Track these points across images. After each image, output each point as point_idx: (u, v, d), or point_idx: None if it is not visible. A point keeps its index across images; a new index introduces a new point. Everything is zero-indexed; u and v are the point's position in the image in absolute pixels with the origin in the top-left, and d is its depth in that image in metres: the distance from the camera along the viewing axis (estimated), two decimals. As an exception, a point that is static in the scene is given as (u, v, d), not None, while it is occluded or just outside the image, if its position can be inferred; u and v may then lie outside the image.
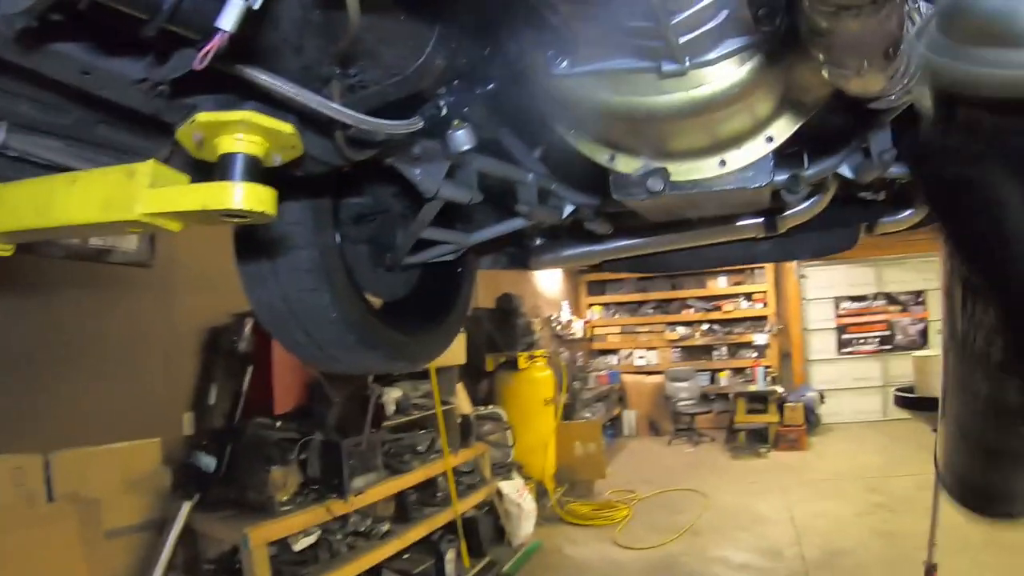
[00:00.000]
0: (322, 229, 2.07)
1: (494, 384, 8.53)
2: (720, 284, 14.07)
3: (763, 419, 11.72)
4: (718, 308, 14.10)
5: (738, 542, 7.09)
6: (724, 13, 1.31)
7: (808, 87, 1.63)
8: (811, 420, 12.03)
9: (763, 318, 13.81)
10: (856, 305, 13.99)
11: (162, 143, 1.31)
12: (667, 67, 1.41)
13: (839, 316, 14.02)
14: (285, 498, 4.36)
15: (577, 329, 12.69)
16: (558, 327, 12.07)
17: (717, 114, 1.57)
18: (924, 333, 13.84)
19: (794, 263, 13.56)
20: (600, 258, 2.90)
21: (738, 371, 13.53)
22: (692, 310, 14.13)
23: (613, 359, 14.17)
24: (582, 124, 1.80)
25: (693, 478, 9.56)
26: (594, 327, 14.16)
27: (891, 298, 13.91)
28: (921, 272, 13.59)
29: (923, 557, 5.81)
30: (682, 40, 1.33)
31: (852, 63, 1.26)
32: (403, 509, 5.57)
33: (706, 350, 13.95)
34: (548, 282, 12.16)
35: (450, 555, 5.63)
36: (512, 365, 8.46)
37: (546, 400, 8.51)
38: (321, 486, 4.63)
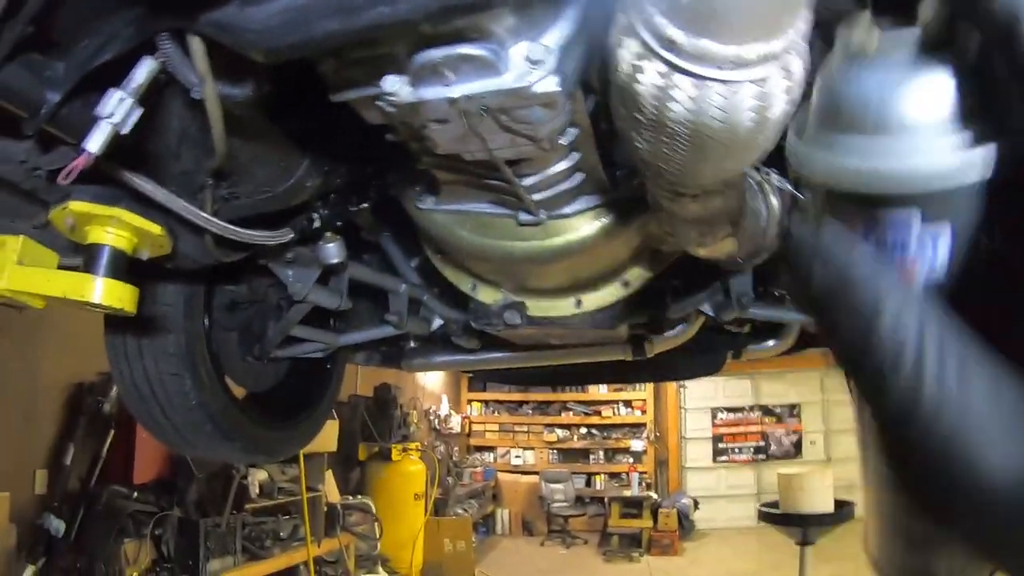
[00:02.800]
0: (192, 315, 2.09)
1: (365, 473, 8.30)
2: (601, 390, 14.23)
3: (637, 524, 11.83)
4: (597, 413, 14.26)
5: None
6: (579, 177, 1.40)
7: (663, 240, 1.72)
8: (685, 526, 12.17)
9: (641, 425, 14.03)
10: (733, 416, 14.37)
11: (44, 211, 1.34)
12: (523, 217, 1.49)
13: (715, 425, 14.33)
14: (136, 574, 4.05)
15: (455, 424, 12.55)
16: (436, 420, 11.91)
17: (572, 260, 1.63)
18: (798, 444, 14.27)
19: (671, 374, 13.90)
20: (471, 368, 3.07)
21: (614, 475, 13.65)
22: (571, 413, 14.25)
23: (489, 456, 14.04)
24: (447, 254, 1.89)
25: (566, 580, 9.43)
26: (472, 423, 14.04)
27: (767, 410, 14.36)
28: (797, 386, 14.19)
29: None
30: (536, 197, 1.40)
31: (693, 238, 1.36)
32: (262, 598, 5.25)
33: (583, 453, 14.04)
34: (430, 375, 12.03)
35: (308, 646, 5.31)
36: (385, 456, 8.31)
37: (417, 494, 8.37)
38: (175, 566, 4.35)
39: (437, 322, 2.32)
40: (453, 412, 12.69)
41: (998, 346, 0.58)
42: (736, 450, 14.23)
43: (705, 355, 3.01)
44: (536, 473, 13.46)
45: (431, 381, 12.20)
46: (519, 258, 1.59)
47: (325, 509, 6.32)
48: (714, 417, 14.37)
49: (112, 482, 4.42)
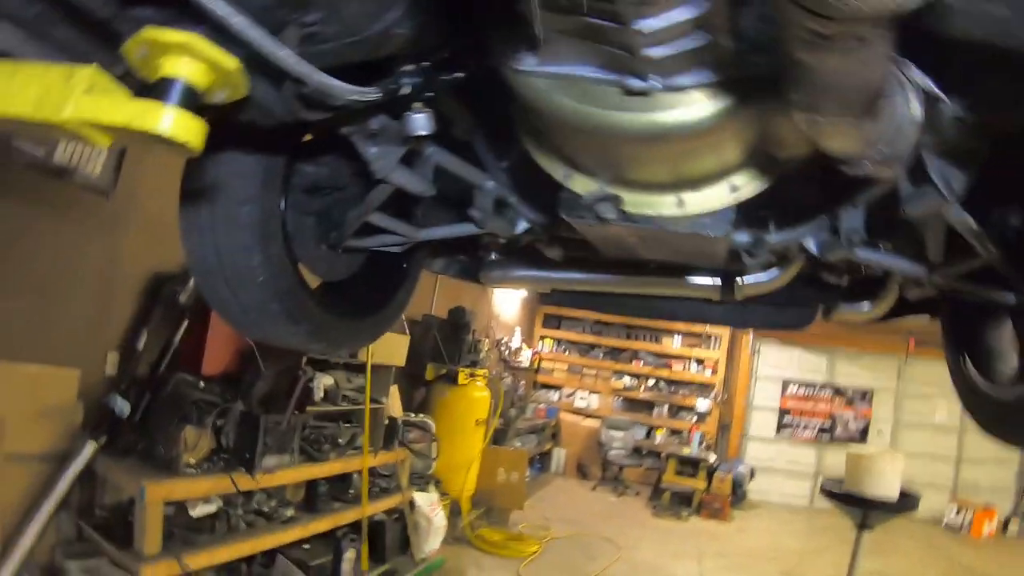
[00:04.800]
0: (269, 188, 2.01)
1: (430, 394, 8.43)
2: (674, 343, 14.14)
3: (691, 483, 11.75)
4: (668, 366, 14.14)
5: None
6: (703, 37, 1.21)
7: (782, 141, 1.57)
8: (738, 493, 12.08)
9: (710, 385, 13.89)
10: (803, 391, 14.13)
11: (120, 58, 1.23)
12: (632, 83, 1.32)
13: (784, 398, 14.13)
14: (193, 460, 4.24)
15: (525, 358, 12.63)
16: (507, 352, 12.00)
17: (680, 146, 1.49)
18: (865, 431, 14.00)
19: (750, 338, 13.68)
20: (549, 285, 2.89)
21: (675, 432, 13.58)
22: (642, 363, 14.14)
23: (554, 395, 14.11)
24: (543, 133, 1.72)
25: (611, 527, 9.50)
26: (542, 359, 14.09)
27: (839, 390, 14.07)
28: (872, 370, 13.85)
29: None
30: (651, 53, 1.22)
31: (828, 108, 1.19)
32: (312, 499, 5.46)
33: (648, 405, 13.97)
34: (506, 305, 12.11)
35: (349, 554, 5.48)
36: (451, 379, 8.38)
37: (478, 420, 8.43)
38: (232, 457, 4.49)
39: (522, 225, 2.17)
40: (524, 346, 12.76)
41: None
42: (801, 426, 14.03)
43: (794, 308, 2.90)
44: (598, 418, 13.47)
45: (507, 312, 12.27)
46: (623, 133, 1.41)
47: (386, 423, 6.42)
48: (784, 389, 14.15)
49: (181, 371, 4.52)
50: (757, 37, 1.22)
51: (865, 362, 13.86)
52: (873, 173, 1.47)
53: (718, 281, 2.48)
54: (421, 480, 7.03)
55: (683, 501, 11.50)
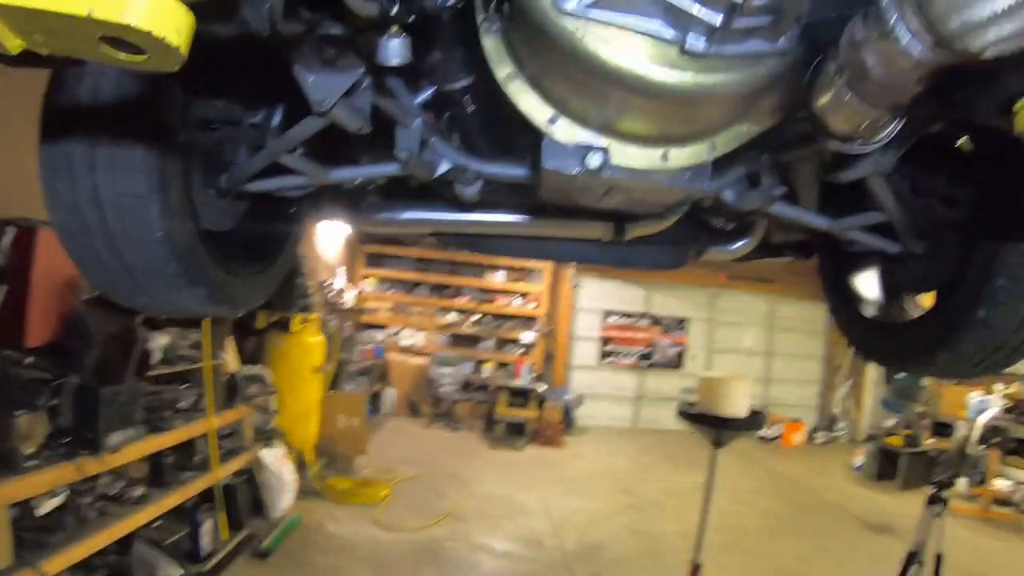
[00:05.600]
0: (168, 119, 1.69)
1: (262, 343, 7.85)
2: (498, 278, 14.15)
3: (523, 414, 11.98)
4: (492, 301, 14.15)
5: (500, 530, 7.08)
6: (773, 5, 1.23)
7: (777, 109, 1.63)
8: (568, 420, 12.45)
9: (534, 318, 14.07)
10: (623, 320, 14.69)
11: None
12: (693, 44, 1.28)
13: (605, 327, 14.65)
14: (31, 451, 3.59)
15: (349, 299, 12.13)
16: (330, 293, 11.46)
17: (698, 107, 1.50)
18: (680, 356, 14.91)
19: (571, 272, 13.98)
20: (437, 228, 2.74)
21: (503, 365, 13.67)
22: (467, 298, 14.06)
23: (379, 335, 13.74)
24: (547, 75, 1.57)
25: (453, 463, 9.50)
26: (366, 299, 13.65)
27: (656, 320, 14.80)
28: (687, 301, 14.82)
29: (674, 555, 6.19)
30: (739, 22, 1.24)
31: (878, 100, 1.31)
32: (159, 472, 4.90)
33: (474, 340, 13.96)
34: (328, 245, 11.52)
35: (207, 526, 5.01)
36: (283, 326, 7.83)
37: (315, 367, 7.98)
38: (73, 439, 3.88)
39: (444, 166, 2.02)
40: (349, 286, 12.26)
41: None
42: (622, 353, 14.66)
43: (670, 248, 2.96)
44: (426, 355, 13.31)
45: (329, 252, 11.70)
46: (656, 89, 1.35)
47: (224, 380, 5.92)
48: (604, 319, 14.67)
49: (1, 346, 3.82)
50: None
51: (680, 293, 14.68)
52: (858, 151, 1.63)
53: (611, 224, 2.54)
54: (264, 436, 6.56)
55: (517, 431, 11.69)
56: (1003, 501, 9.57)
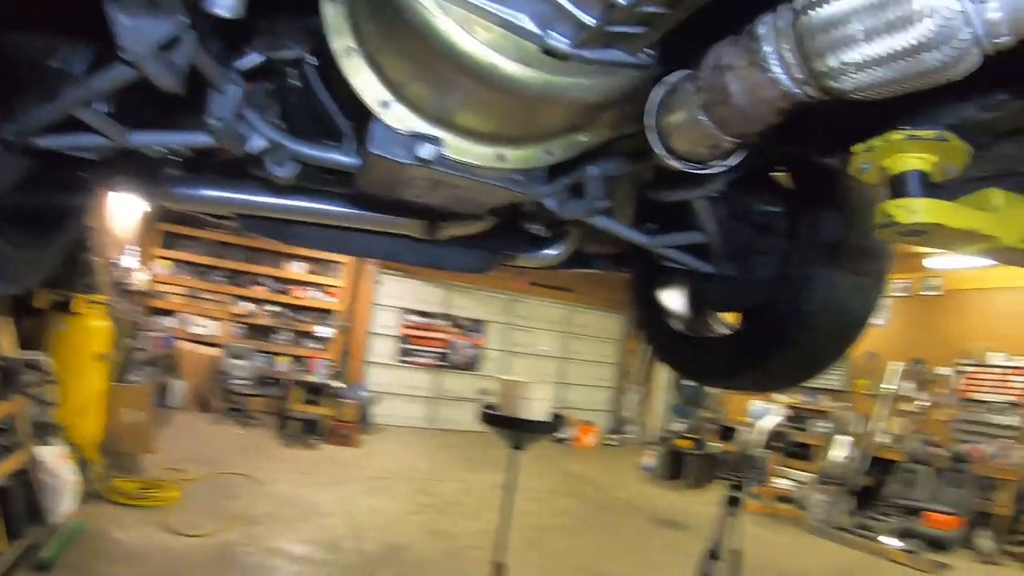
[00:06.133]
0: None
1: (43, 325, 7.11)
2: (297, 268, 13.72)
3: (318, 410, 11.69)
4: (289, 292, 13.73)
5: (297, 533, 6.83)
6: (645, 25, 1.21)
7: (620, 122, 1.65)
8: (363, 419, 12.29)
9: (332, 312, 13.82)
10: (422, 320, 14.76)
11: None
12: (554, 42, 1.26)
13: (404, 326, 14.65)
14: None
15: (139, 281, 11.26)
16: (119, 274, 10.57)
17: (543, 108, 1.47)
18: (477, 358, 15.28)
19: (373, 267, 13.83)
20: (242, 211, 2.53)
21: (298, 359, 13.27)
22: (264, 288, 13.53)
23: (170, 322, 12.86)
24: (389, 53, 1.49)
25: (245, 462, 9.06)
26: (158, 283, 12.71)
27: (454, 320, 14.99)
28: (485, 304, 15.15)
29: (475, 555, 6.31)
30: (613, 28, 1.20)
31: (731, 126, 1.32)
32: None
33: (269, 332, 13.46)
34: (120, 219, 10.61)
35: (-19, 537, 4.43)
36: (66, 307, 7.13)
37: (98, 355, 7.32)
38: None
39: (258, 143, 1.87)
40: (139, 267, 11.36)
41: None
42: (419, 352, 14.74)
43: (481, 251, 2.96)
44: (218, 346, 12.61)
45: (119, 227, 10.79)
46: (506, 84, 1.32)
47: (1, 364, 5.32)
48: (404, 317, 14.72)
49: None
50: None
51: (479, 296, 15.02)
52: (695, 172, 1.61)
53: (426, 222, 2.51)
54: (42, 431, 5.93)
55: (311, 429, 11.38)
56: (784, 498, 10.62)
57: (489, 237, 2.69)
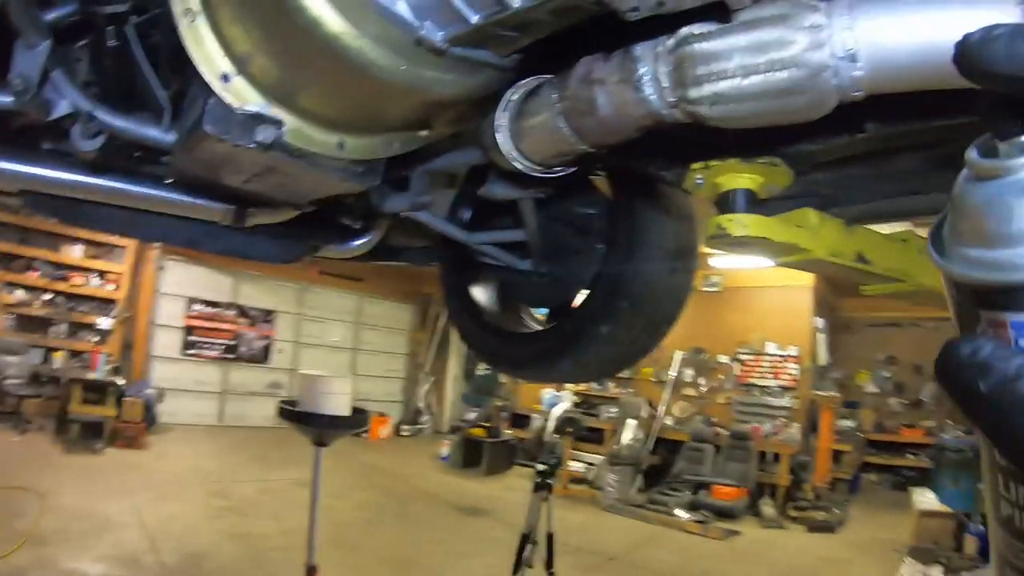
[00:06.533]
0: None
1: None
2: (75, 253, 12.82)
3: (100, 411, 11.05)
4: (66, 279, 12.77)
5: (91, 551, 6.62)
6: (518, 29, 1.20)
7: (463, 120, 1.61)
8: (149, 418, 11.88)
9: (112, 301, 13.10)
10: (208, 309, 14.40)
11: None
12: (427, 34, 1.18)
13: (189, 316, 14.21)
14: None
15: None
16: None
17: (398, 99, 1.39)
18: (267, 349, 15.04)
19: (155, 253, 13.28)
20: (23, 185, 2.09)
21: (76, 354, 12.54)
22: (39, 274, 12.52)
23: (-72, 314, 11.71)
24: (239, 21, 1.34)
25: (23, 474, 8.54)
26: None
27: (242, 310, 14.73)
28: (275, 294, 14.94)
29: (281, 556, 6.46)
30: (489, 22, 1.16)
31: (588, 136, 1.37)
32: None
33: (45, 324, 12.55)
34: None
35: None
36: None
37: None
38: None
39: (62, 108, 1.64)
40: None
41: None
42: (206, 345, 14.38)
43: (287, 241, 2.78)
44: (-14, 340, 11.69)
45: None
46: (379, 76, 1.25)
47: None
48: (189, 307, 14.22)
49: None
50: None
51: (268, 285, 14.81)
52: (532, 173, 1.60)
53: (232, 207, 2.26)
54: None
55: (94, 432, 10.76)
56: (578, 480, 11.69)
57: (297, 226, 2.46)
